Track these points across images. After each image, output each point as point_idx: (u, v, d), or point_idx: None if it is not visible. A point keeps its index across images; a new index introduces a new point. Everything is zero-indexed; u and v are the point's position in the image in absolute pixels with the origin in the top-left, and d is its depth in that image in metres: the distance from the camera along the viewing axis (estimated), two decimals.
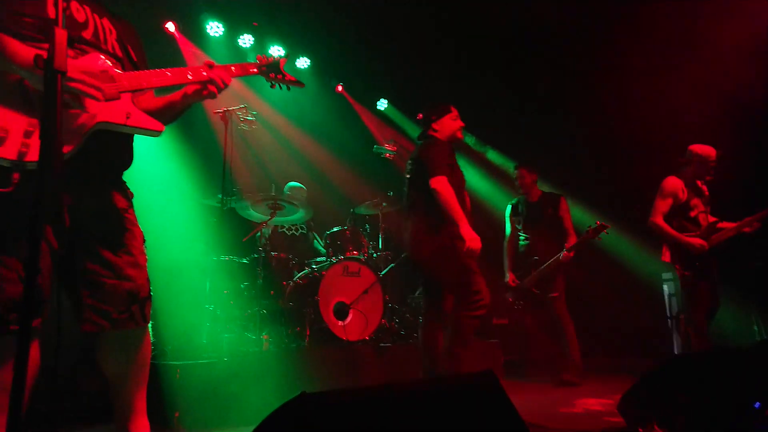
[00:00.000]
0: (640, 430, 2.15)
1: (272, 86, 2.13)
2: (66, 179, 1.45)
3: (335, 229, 4.67)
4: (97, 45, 1.68)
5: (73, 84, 1.43)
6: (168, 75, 1.69)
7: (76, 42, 1.59)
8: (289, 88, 2.13)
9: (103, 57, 1.61)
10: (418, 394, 1.18)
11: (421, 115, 4.30)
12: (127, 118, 1.58)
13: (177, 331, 3.63)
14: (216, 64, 1.83)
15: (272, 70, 2.06)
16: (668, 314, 5.44)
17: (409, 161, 3.34)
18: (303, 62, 6.39)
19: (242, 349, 3.67)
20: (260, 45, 6.07)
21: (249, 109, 4.21)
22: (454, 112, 3.33)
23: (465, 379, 1.29)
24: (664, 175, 4.03)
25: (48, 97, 1.08)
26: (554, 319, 4.35)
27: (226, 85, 1.82)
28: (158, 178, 4.36)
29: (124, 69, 1.72)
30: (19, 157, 1.39)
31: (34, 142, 1.40)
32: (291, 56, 6.31)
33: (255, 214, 4.50)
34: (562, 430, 2.76)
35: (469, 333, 3.03)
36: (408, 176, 3.31)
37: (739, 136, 4.72)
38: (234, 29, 5.78)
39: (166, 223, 4.06)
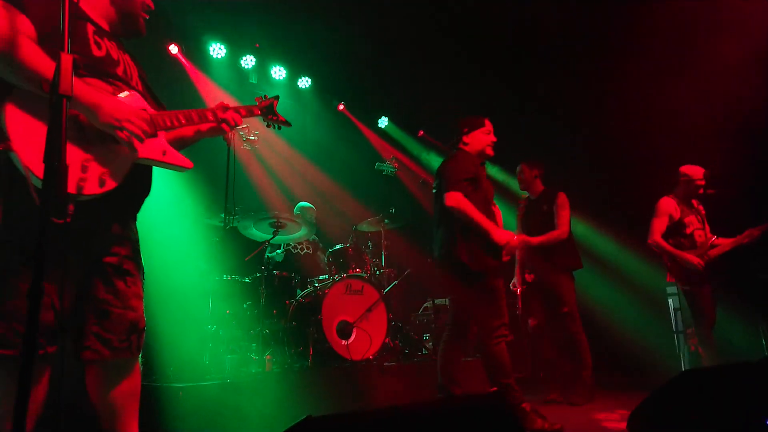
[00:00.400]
0: None
1: (268, 126, 2.32)
2: (100, 211, 1.57)
3: (337, 247, 4.66)
4: (127, 82, 1.75)
5: (129, 126, 1.54)
6: (194, 116, 1.85)
7: (111, 78, 1.68)
8: (279, 128, 2.33)
9: (137, 95, 1.73)
10: (425, 417, 1.16)
11: (422, 132, 4.31)
12: (164, 154, 1.71)
13: (179, 353, 3.60)
14: (229, 105, 2.01)
15: (269, 112, 2.25)
16: (674, 329, 5.40)
17: (436, 175, 3.30)
18: (304, 82, 6.46)
19: (245, 370, 3.64)
20: (262, 66, 6.15)
21: (251, 128, 4.25)
22: (488, 126, 3.26)
23: (472, 401, 1.27)
24: (665, 186, 4.20)
25: (53, 121, 1.09)
26: (567, 336, 4.12)
27: (237, 125, 2.01)
28: (161, 197, 4.38)
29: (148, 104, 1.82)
30: (78, 191, 1.47)
31: (90, 176, 1.51)
32: (293, 76, 6.38)
33: (257, 233, 4.50)
34: None
35: (502, 359, 2.92)
36: (434, 191, 3.26)
37: (741, 144, 4.74)
38: (236, 50, 5.86)
39: (168, 242, 4.05)
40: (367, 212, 5.32)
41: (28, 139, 1.39)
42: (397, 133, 7.04)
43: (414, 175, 6.25)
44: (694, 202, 4.17)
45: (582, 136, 5.97)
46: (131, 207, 1.80)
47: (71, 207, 1.42)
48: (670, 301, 5.49)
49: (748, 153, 4.69)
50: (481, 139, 3.22)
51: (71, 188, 1.45)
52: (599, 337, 5.33)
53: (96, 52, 1.65)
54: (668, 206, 4.10)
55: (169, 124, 1.74)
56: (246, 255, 4.46)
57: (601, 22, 5.21)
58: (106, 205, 1.58)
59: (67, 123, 1.37)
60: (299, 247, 4.94)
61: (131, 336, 1.66)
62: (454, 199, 2.96)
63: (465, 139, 3.23)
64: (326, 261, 4.70)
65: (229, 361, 3.62)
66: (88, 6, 1.76)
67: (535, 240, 4.12)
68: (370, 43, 5.79)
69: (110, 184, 1.54)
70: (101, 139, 1.55)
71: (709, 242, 4.01)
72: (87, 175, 1.49)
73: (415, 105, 6.74)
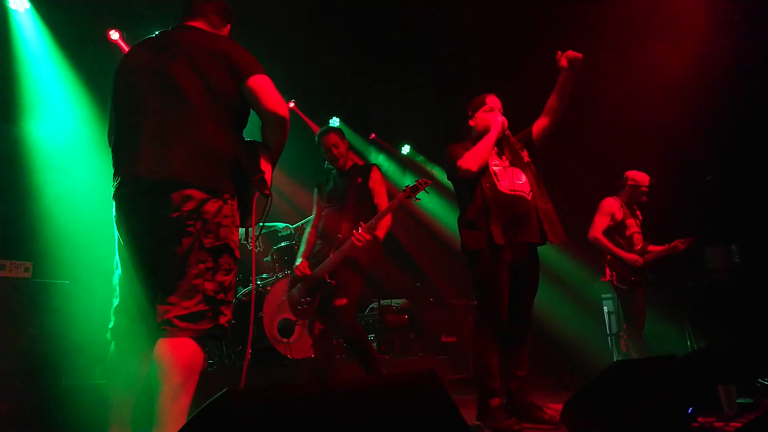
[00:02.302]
0: None
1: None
2: None
3: (282, 244, 4.54)
4: None
5: None
6: None
7: None
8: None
9: None
10: (355, 392, 1.12)
11: (373, 135, 4.27)
12: None
13: (104, 349, 3.39)
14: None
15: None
16: (608, 332, 5.63)
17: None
18: None
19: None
20: None
21: None
22: (489, 104, 3.01)
23: (406, 378, 1.24)
24: (602, 189, 4.37)
25: None
26: (339, 331, 3.17)
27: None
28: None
29: None
30: None
31: None
32: None
33: None
34: None
35: (479, 354, 2.76)
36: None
37: (675, 152, 5.00)
38: None
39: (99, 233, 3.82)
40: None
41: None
42: (349, 134, 7.01)
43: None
44: (634, 207, 4.34)
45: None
46: None
47: None
48: (604, 306, 5.73)
49: (678, 162, 4.96)
50: (484, 118, 2.98)
51: None
52: (536, 340, 5.46)
53: None
54: (612, 206, 4.24)
55: None
56: None
57: (539, 21, 5.30)
58: None
59: None
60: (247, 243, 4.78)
61: None
62: (464, 162, 2.81)
63: (471, 123, 3.07)
64: (271, 258, 4.58)
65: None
66: None
67: None
68: (319, 43, 5.74)
69: None
70: None
71: (645, 247, 4.19)
72: None
73: (367, 107, 6.74)
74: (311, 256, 3.26)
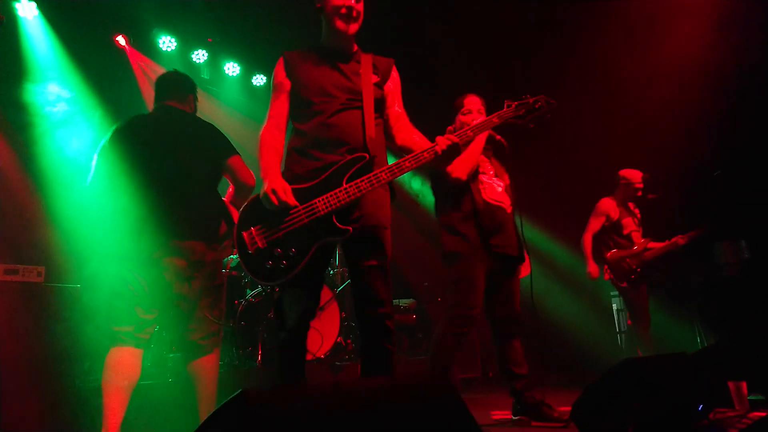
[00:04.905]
0: None
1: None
2: None
3: None
4: None
5: None
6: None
7: None
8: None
9: None
10: (367, 393, 1.14)
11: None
12: None
13: None
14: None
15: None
16: (617, 329, 5.61)
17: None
18: (259, 80, 6.34)
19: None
20: (214, 61, 6.01)
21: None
22: (467, 105, 2.97)
23: (416, 378, 1.25)
24: (608, 187, 4.38)
25: None
26: None
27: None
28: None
29: None
30: None
31: None
32: (247, 73, 6.26)
33: None
34: None
35: (442, 354, 2.71)
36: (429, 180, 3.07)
37: (679, 148, 4.98)
38: (187, 44, 5.70)
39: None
40: None
41: None
42: None
43: None
44: (631, 205, 4.35)
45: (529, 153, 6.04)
46: None
47: None
48: (614, 303, 5.70)
49: (687, 158, 4.94)
50: (462, 122, 2.96)
51: None
52: (546, 337, 5.45)
53: None
54: (607, 207, 4.27)
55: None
56: None
57: (542, 18, 5.29)
58: None
59: None
60: None
61: None
62: (454, 170, 2.78)
63: (450, 128, 3.04)
64: None
65: (172, 360, 3.47)
66: None
67: None
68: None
69: None
70: None
71: (644, 245, 4.19)
72: None
73: None
74: None
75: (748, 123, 4.90)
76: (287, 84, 2.15)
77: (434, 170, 2.92)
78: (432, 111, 3.42)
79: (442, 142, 2.02)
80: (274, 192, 1.93)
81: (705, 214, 4.86)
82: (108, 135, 2.42)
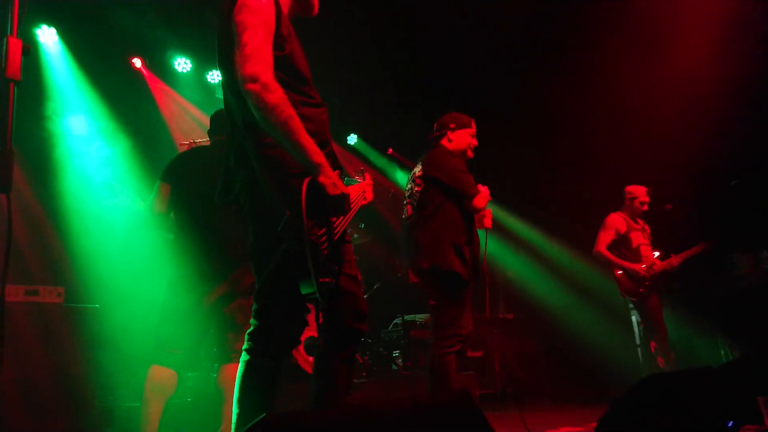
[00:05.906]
0: None
1: None
2: None
3: None
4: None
5: None
6: None
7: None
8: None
9: None
10: (390, 415, 1.13)
11: (390, 150, 4.26)
12: None
13: (136, 371, 3.45)
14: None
15: None
16: (637, 342, 5.51)
17: (418, 168, 3.07)
18: None
19: (207, 390, 3.49)
20: None
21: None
22: (473, 129, 3.11)
23: (440, 399, 1.24)
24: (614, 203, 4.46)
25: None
26: None
27: None
28: (122, 211, 4.23)
29: None
30: None
31: None
32: None
33: None
34: None
35: (445, 373, 2.75)
36: (416, 187, 3.03)
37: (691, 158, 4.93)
38: (202, 65, 5.79)
39: (128, 259, 3.91)
40: None
41: None
42: (367, 150, 7.06)
43: (383, 189, 6.24)
44: (639, 220, 4.37)
45: (542, 144, 5.94)
46: None
47: None
48: (633, 316, 5.62)
49: (699, 169, 4.89)
50: (465, 139, 3.06)
51: None
52: (564, 351, 5.38)
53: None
54: (615, 221, 4.31)
55: None
56: None
57: (555, 24, 5.30)
58: None
59: None
60: None
61: None
62: (480, 201, 2.91)
63: (450, 135, 3.07)
64: None
65: (191, 380, 3.48)
66: None
67: None
68: (340, 60, 5.82)
69: None
70: None
71: (652, 259, 4.21)
72: None
73: (384, 124, 6.79)
74: None
75: (765, 130, 4.85)
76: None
77: (457, 186, 2.93)
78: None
79: None
80: (347, 198, 1.66)
81: (720, 225, 4.80)
82: (171, 162, 2.60)
